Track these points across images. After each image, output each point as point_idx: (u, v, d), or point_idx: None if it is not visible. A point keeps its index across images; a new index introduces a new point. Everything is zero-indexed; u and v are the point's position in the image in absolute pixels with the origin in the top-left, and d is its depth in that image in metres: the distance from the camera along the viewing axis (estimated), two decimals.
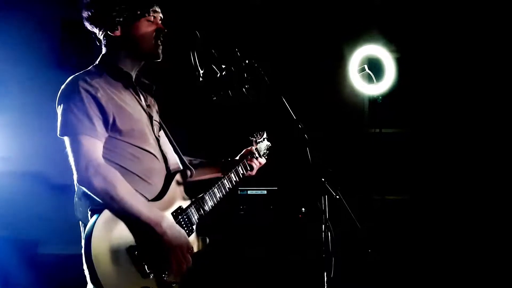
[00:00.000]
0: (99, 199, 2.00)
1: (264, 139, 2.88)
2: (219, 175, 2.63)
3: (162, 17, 2.29)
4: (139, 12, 2.19)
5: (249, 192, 4.31)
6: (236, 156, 2.76)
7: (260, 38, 4.68)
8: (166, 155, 2.33)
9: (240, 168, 2.65)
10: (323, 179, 2.20)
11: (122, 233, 2.00)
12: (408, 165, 4.76)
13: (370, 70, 4.26)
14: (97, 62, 2.26)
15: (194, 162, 2.59)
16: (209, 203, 2.41)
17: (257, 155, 2.77)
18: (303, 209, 4.15)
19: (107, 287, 1.89)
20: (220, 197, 2.47)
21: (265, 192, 4.29)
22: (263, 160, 2.80)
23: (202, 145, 3.05)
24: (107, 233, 1.96)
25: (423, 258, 4.36)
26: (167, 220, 2.11)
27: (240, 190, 4.30)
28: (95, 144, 2.05)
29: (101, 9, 2.17)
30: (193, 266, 2.20)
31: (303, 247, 3.95)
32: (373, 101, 4.55)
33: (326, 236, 2.27)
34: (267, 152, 2.89)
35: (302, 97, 4.66)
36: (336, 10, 4.75)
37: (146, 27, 2.21)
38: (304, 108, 4.55)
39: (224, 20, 4.52)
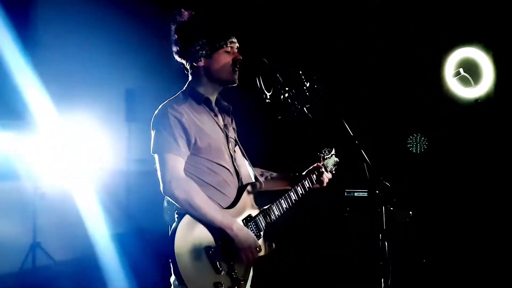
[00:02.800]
0: (181, 206, 2.40)
1: (332, 155, 3.05)
2: (287, 187, 2.87)
3: (238, 46, 2.61)
4: (217, 45, 2.54)
5: (355, 194, 4.34)
6: (304, 171, 2.97)
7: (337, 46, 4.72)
8: (239, 168, 2.64)
9: (306, 182, 2.88)
10: (377, 192, 2.37)
11: (201, 234, 2.38)
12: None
13: (467, 72, 4.13)
14: (184, 88, 2.64)
15: (266, 174, 2.89)
16: (276, 212, 2.68)
17: (323, 170, 2.97)
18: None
19: (186, 279, 2.29)
20: (286, 207, 2.72)
21: None
22: (329, 175, 2.99)
23: (273, 161, 3.27)
24: (188, 233, 2.36)
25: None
26: (237, 224, 2.45)
27: (347, 191, 4.35)
28: (179, 161, 2.44)
29: (186, 44, 2.54)
30: (261, 265, 2.52)
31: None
32: (472, 103, 4.40)
33: (383, 244, 2.44)
34: (335, 167, 3.04)
35: (399, 100, 4.68)
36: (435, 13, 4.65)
37: (224, 57, 2.55)
38: (402, 112, 4.58)
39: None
